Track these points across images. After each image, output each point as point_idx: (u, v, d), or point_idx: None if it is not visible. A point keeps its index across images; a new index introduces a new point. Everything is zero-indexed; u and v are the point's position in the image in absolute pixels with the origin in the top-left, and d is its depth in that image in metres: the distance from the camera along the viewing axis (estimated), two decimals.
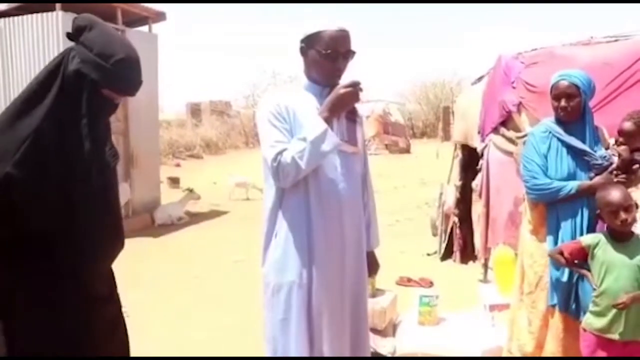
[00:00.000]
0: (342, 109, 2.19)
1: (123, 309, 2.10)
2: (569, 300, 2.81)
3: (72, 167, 1.79)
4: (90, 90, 1.80)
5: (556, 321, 2.87)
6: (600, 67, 4.24)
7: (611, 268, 2.48)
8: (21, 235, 1.80)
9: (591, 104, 4.07)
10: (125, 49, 1.82)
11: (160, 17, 10.37)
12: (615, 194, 2.48)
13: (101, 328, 1.93)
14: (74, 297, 1.84)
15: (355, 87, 2.15)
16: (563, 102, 2.79)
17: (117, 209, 2.03)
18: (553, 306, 2.87)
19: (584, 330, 2.59)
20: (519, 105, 4.69)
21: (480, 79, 6.06)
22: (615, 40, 4.61)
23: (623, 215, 2.44)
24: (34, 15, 8.48)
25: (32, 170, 1.74)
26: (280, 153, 2.12)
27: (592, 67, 4.23)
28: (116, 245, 1.98)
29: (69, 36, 1.86)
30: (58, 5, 8.26)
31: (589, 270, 2.57)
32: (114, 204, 1.99)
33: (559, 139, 2.84)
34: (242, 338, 3.95)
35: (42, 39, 8.43)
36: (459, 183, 6.12)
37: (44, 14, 8.35)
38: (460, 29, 62.52)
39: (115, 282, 2.07)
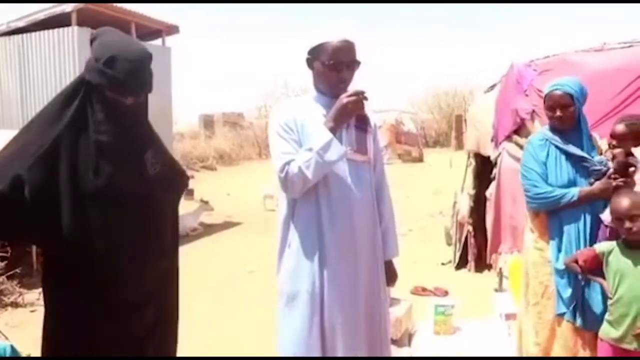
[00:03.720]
0: (347, 118, 2.19)
1: None
2: (575, 308, 2.77)
3: (82, 174, 1.81)
4: (96, 95, 1.84)
5: (564, 331, 2.83)
6: (614, 73, 4.22)
7: (625, 276, 2.46)
8: (37, 239, 1.86)
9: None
10: (119, 49, 1.83)
11: (173, 30, 10.51)
12: (622, 202, 2.48)
13: (130, 336, 1.93)
14: (95, 305, 1.85)
15: (358, 96, 2.15)
16: (558, 112, 2.79)
17: (154, 220, 1.99)
18: (560, 315, 2.83)
19: (601, 340, 2.56)
20: (532, 113, 4.68)
21: (492, 87, 6.05)
22: (629, 46, 4.58)
23: (627, 224, 2.43)
24: (51, 30, 8.64)
25: (43, 174, 1.77)
26: (287, 164, 2.14)
27: (605, 73, 4.22)
28: (151, 258, 1.96)
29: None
30: (74, 20, 8.40)
31: (604, 278, 2.55)
32: (148, 215, 1.95)
33: (556, 147, 2.84)
34: (257, 348, 3.94)
35: (59, 54, 8.58)
36: (472, 192, 6.09)
37: (60, 30, 8.51)
38: (475, 34, 62.51)
39: (160, 287, 2.04)
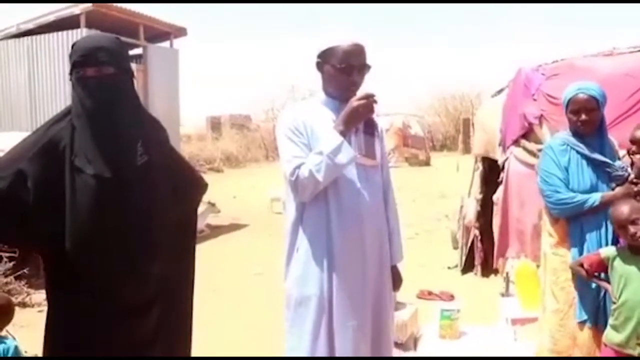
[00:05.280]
0: (357, 121, 2.20)
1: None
2: (597, 313, 2.74)
3: (76, 166, 1.80)
4: (74, 83, 1.88)
5: (586, 338, 2.78)
6: (622, 78, 4.20)
7: (629, 280, 2.45)
8: (37, 238, 1.83)
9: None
10: (85, 37, 2.00)
11: (181, 32, 10.56)
12: (621, 209, 2.48)
13: (129, 340, 1.88)
14: (89, 309, 1.83)
15: (369, 99, 2.15)
16: (584, 116, 2.76)
17: (142, 219, 1.88)
18: (583, 322, 2.78)
19: (605, 345, 2.55)
20: (540, 118, 4.66)
21: (500, 91, 6.03)
22: (639, 51, 4.56)
23: (631, 229, 2.43)
24: (60, 33, 8.69)
25: (43, 166, 1.77)
26: (298, 167, 2.14)
27: (613, 78, 4.19)
28: (140, 258, 1.88)
29: None
30: (82, 23, 8.45)
31: (609, 282, 2.55)
32: (141, 208, 1.87)
33: (577, 152, 2.81)
34: (262, 351, 3.95)
35: (67, 56, 8.62)
36: (479, 196, 6.07)
37: (69, 32, 8.55)
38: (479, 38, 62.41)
39: (163, 293, 1.98)
